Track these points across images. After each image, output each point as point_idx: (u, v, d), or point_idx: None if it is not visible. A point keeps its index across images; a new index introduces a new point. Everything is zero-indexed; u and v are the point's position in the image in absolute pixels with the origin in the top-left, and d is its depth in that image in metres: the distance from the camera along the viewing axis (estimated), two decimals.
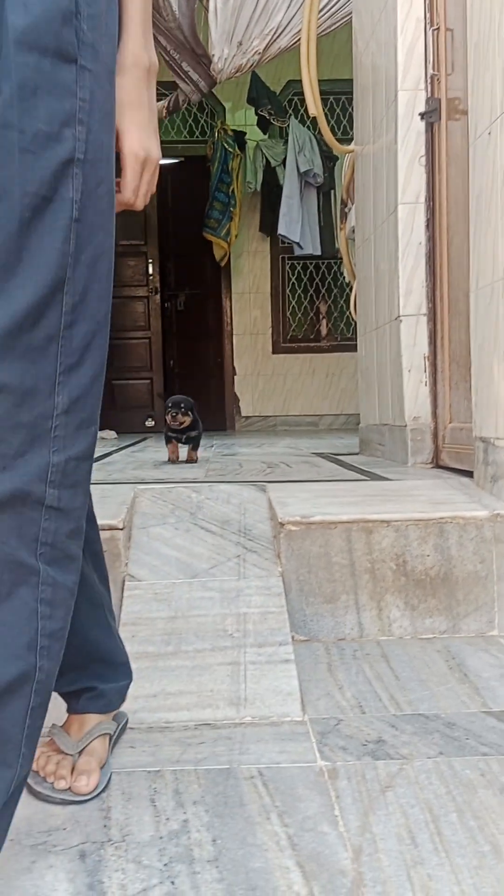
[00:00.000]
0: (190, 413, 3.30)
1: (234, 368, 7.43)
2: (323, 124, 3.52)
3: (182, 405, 3.28)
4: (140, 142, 1.00)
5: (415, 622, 1.87)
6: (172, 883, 0.98)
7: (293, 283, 7.42)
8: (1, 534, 0.88)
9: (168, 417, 3.29)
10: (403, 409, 2.89)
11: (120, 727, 1.36)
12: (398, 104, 2.93)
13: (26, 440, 0.88)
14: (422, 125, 2.90)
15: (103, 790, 1.20)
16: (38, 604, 0.90)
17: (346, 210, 4.05)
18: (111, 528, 1.88)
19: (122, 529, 1.90)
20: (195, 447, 3.43)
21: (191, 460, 3.38)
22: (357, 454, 3.68)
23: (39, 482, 0.89)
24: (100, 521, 1.88)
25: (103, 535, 1.88)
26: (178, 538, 2.02)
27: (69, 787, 1.19)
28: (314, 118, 3.50)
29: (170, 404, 3.31)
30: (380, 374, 3.25)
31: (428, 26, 2.86)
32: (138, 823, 1.11)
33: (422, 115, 2.89)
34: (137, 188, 1.02)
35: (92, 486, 2.35)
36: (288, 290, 7.43)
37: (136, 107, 0.99)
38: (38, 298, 0.87)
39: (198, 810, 1.14)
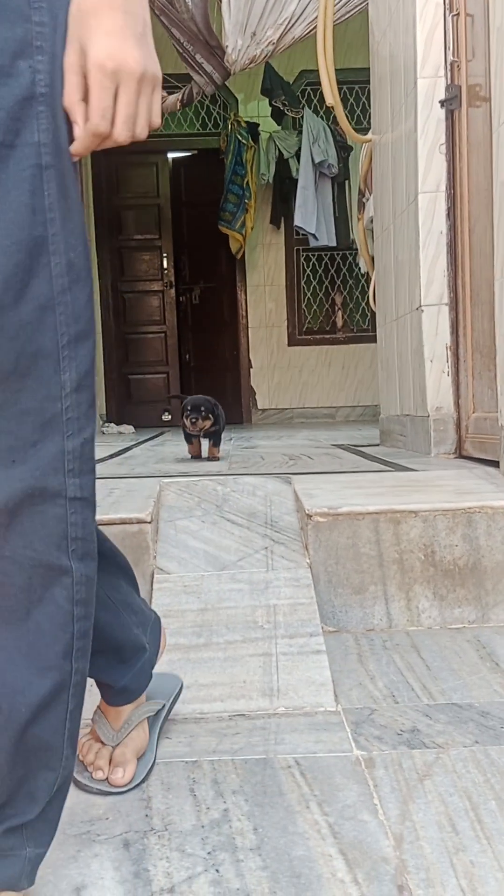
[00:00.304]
0: (210, 416, 3.07)
1: (249, 361, 7.43)
2: (340, 114, 3.51)
3: (202, 409, 3.04)
4: (108, 50, 0.76)
5: (444, 612, 1.87)
6: (217, 871, 0.98)
7: (308, 274, 7.40)
8: (24, 537, 0.80)
9: (187, 423, 3.05)
10: (426, 399, 2.88)
11: (171, 700, 1.33)
12: (417, 92, 2.91)
13: (36, 428, 0.78)
14: (442, 113, 2.88)
15: (143, 780, 1.21)
16: (73, 606, 0.84)
17: (364, 200, 4.03)
18: (139, 522, 1.88)
19: (149, 523, 1.91)
20: (216, 443, 3.22)
21: (212, 457, 3.17)
22: (378, 445, 3.67)
23: (56, 474, 0.80)
24: (128, 515, 1.90)
25: (131, 528, 1.89)
26: (206, 531, 2.02)
27: (106, 779, 1.19)
28: (328, 108, 3.48)
29: (189, 408, 3.04)
30: (401, 364, 3.24)
31: (447, 12, 2.84)
32: (179, 813, 1.12)
33: (442, 103, 2.88)
34: (109, 110, 0.78)
35: (118, 481, 2.35)
36: (303, 282, 7.41)
37: (104, 12, 0.76)
38: (14, 265, 0.75)
39: (237, 800, 1.15)
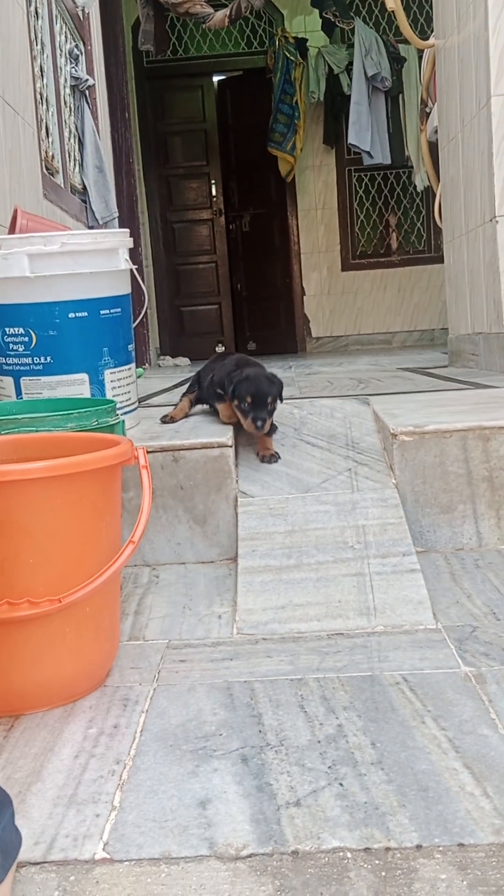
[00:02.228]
0: (277, 404, 1.93)
1: (302, 289, 7.29)
2: (401, 18, 3.33)
3: (269, 399, 1.88)
4: None
5: None
6: (341, 784, 0.97)
7: (360, 196, 7.18)
8: None
9: (247, 422, 1.89)
10: (501, 314, 2.77)
11: None
12: None
13: None
14: None
15: None
16: None
17: (427, 110, 3.85)
18: (221, 446, 1.86)
19: (230, 446, 1.88)
20: (269, 428, 1.96)
21: (267, 455, 1.95)
22: (446, 367, 3.58)
23: None
24: (208, 439, 1.88)
25: (212, 452, 1.86)
26: (286, 454, 1.99)
27: None
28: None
29: (249, 400, 1.87)
30: (472, 280, 3.13)
31: None
32: (292, 729, 1.11)
33: None
34: None
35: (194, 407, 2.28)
36: (355, 204, 7.19)
37: None
38: None
39: (350, 715, 1.14)
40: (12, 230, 2.25)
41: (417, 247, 7.16)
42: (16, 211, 2.27)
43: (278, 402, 1.93)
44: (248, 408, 1.88)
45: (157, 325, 7.27)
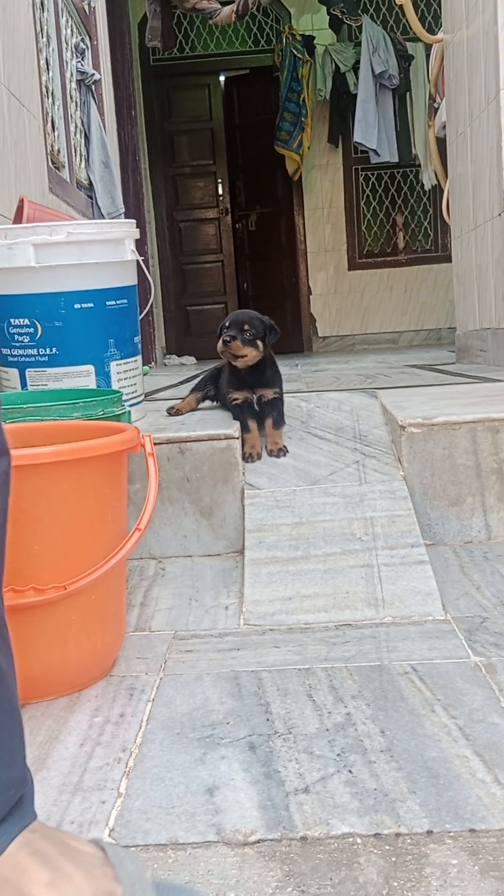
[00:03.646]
0: (259, 343, 1.94)
1: (309, 288, 7.28)
2: (410, 12, 3.31)
3: (245, 326, 1.91)
4: None
5: None
6: (350, 772, 0.96)
7: (367, 195, 7.16)
8: None
9: (219, 344, 1.93)
10: None
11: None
12: None
13: None
14: None
15: None
16: None
17: (435, 105, 3.83)
18: (227, 438, 1.84)
19: (237, 438, 1.87)
20: (277, 421, 1.98)
21: (276, 450, 1.93)
22: (453, 364, 3.56)
23: None
24: (215, 431, 1.86)
25: (219, 444, 1.85)
26: (293, 446, 1.97)
27: None
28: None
29: (226, 324, 1.95)
30: (480, 276, 3.11)
31: None
32: (301, 717, 1.10)
33: None
34: None
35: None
36: (362, 203, 7.18)
37: None
38: None
39: (359, 704, 1.12)
40: (18, 220, 2.25)
41: (424, 246, 7.14)
42: (21, 200, 2.26)
43: (261, 342, 1.95)
44: (224, 331, 1.94)
45: (164, 325, 7.27)
